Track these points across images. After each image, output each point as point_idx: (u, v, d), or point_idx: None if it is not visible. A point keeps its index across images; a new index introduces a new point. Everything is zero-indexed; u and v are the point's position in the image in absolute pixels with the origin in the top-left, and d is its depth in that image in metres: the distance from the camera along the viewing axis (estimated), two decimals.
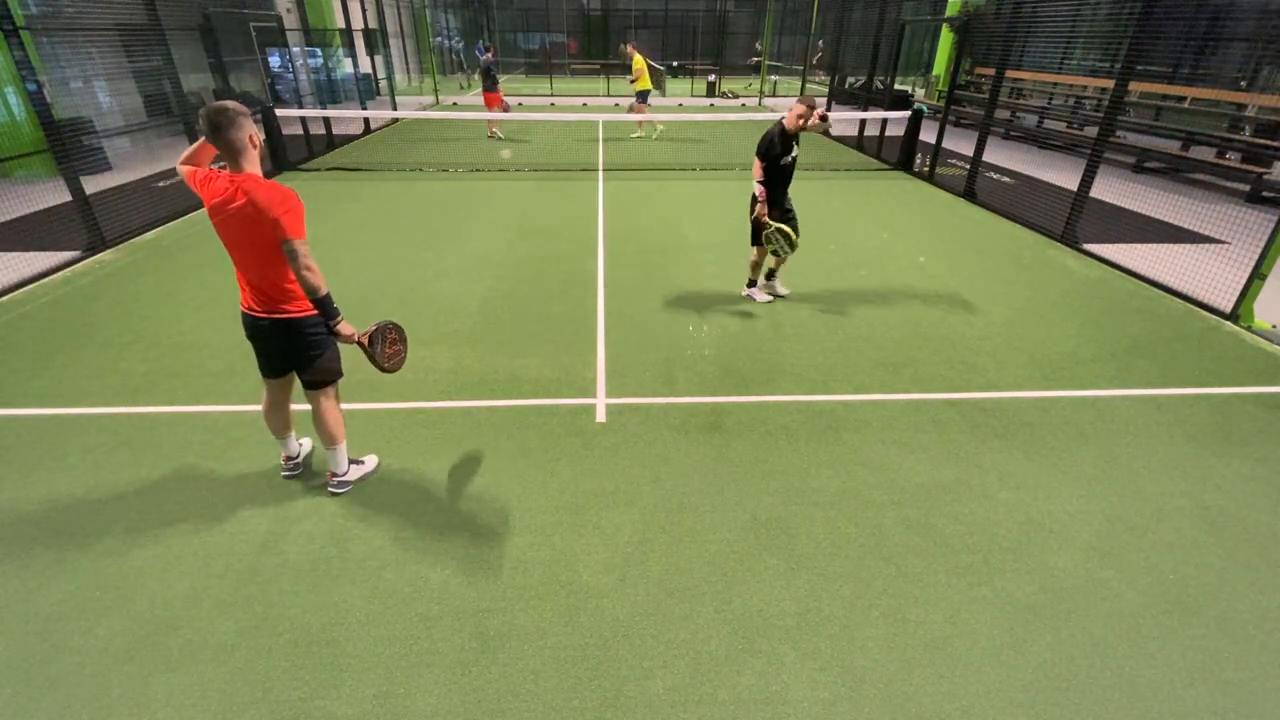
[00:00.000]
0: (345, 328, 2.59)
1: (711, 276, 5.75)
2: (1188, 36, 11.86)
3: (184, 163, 2.54)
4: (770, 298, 5.26)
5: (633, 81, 12.43)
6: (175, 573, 2.58)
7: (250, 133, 2.38)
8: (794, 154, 4.85)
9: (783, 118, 4.76)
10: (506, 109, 12.38)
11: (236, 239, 2.44)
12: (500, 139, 12.66)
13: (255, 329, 2.67)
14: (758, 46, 24.83)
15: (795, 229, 4.85)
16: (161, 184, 8.80)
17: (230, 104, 2.36)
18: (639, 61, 12.21)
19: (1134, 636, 2.35)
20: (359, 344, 2.67)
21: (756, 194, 4.74)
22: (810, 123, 4.73)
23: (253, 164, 2.41)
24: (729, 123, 14.85)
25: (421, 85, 23.62)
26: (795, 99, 5.04)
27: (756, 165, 4.74)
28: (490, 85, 12.16)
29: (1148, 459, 3.34)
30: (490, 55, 12.42)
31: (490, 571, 2.61)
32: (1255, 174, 8.39)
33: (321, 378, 2.78)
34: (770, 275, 5.30)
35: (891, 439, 3.49)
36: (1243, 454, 3.39)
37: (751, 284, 5.23)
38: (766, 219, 4.78)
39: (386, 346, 2.80)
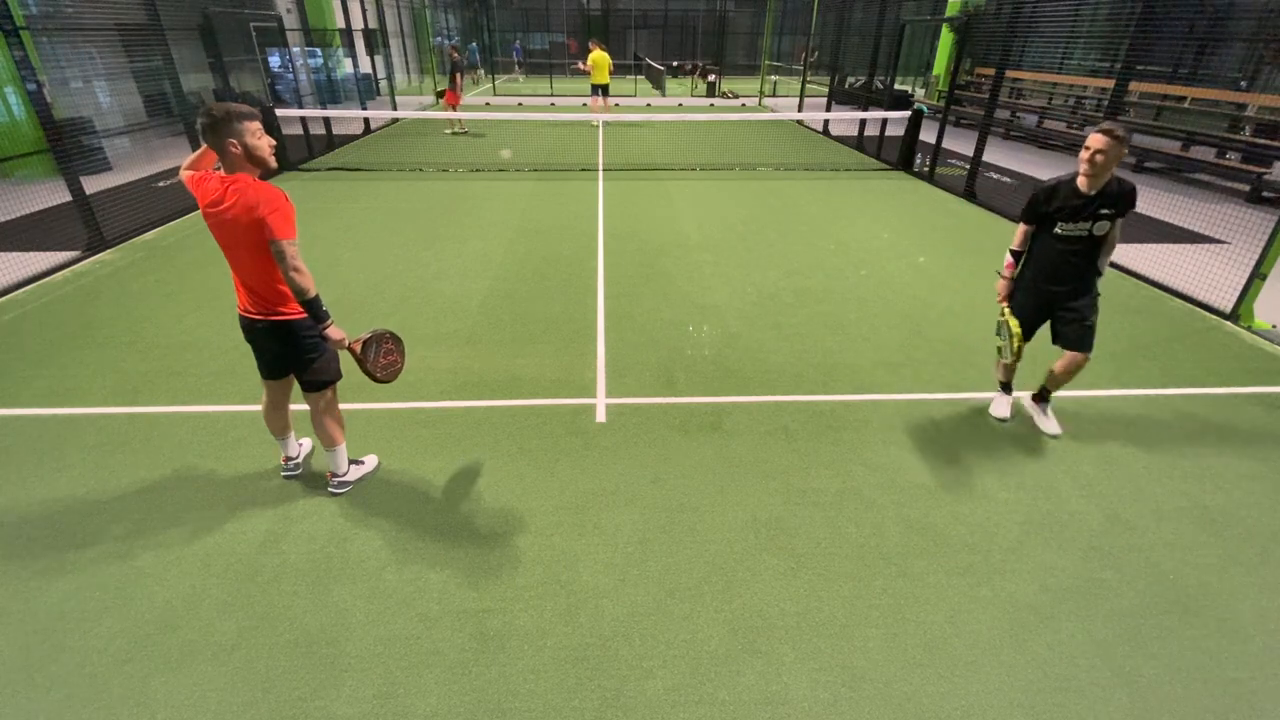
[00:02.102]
0: (335, 332, 2.56)
1: (711, 276, 5.75)
2: (1188, 36, 11.86)
3: (187, 168, 2.53)
4: (1009, 416, 3.67)
5: (597, 88, 13.90)
6: (175, 573, 2.58)
7: (238, 138, 2.29)
8: (1087, 227, 3.05)
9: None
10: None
11: (230, 240, 2.43)
12: (463, 134, 13.09)
13: (252, 331, 2.66)
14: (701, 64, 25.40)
15: (1072, 335, 3.24)
16: (161, 184, 8.80)
17: (224, 107, 2.30)
18: (593, 56, 13.62)
19: (1134, 636, 2.35)
20: (350, 350, 2.66)
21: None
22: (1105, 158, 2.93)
23: (244, 166, 2.37)
24: (729, 122, 14.87)
25: (421, 85, 23.62)
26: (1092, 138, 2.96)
27: (1019, 230, 3.30)
28: (454, 83, 12.72)
29: (1148, 459, 3.34)
30: (457, 55, 12.93)
31: (490, 571, 2.61)
32: (1255, 174, 8.40)
33: (320, 379, 2.78)
34: (1041, 395, 3.62)
35: (891, 439, 3.49)
36: (1243, 454, 3.39)
37: (1004, 386, 3.73)
38: (1002, 300, 3.41)
39: (381, 356, 2.77)
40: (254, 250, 2.42)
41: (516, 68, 27.65)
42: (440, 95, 12.93)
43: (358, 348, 2.68)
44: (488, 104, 18.28)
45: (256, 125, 2.36)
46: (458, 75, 12.65)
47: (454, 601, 2.48)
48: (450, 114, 12.19)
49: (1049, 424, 3.57)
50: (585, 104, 16.48)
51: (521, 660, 2.25)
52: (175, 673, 2.18)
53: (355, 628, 2.36)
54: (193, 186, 2.45)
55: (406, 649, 2.29)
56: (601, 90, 13.98)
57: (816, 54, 20.48)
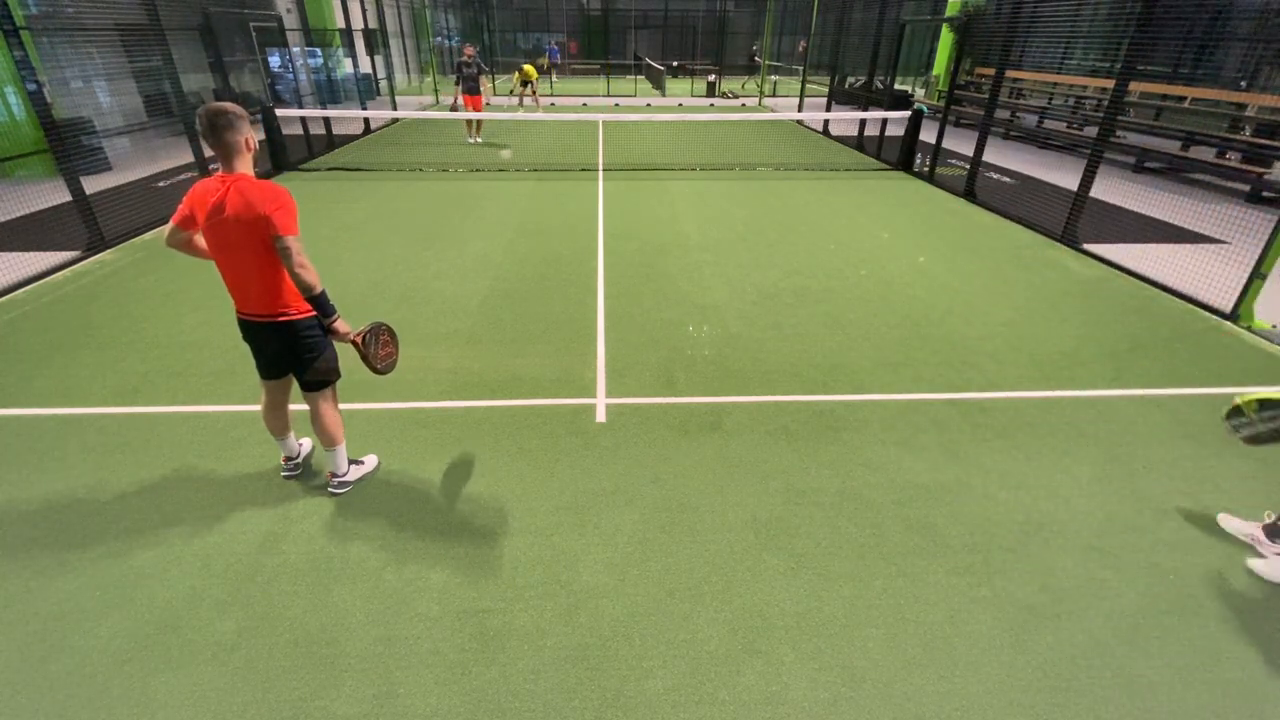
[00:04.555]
0: (342, 325, 2.61)
1: (711, 276, 5.75)
2: (1188, 36, 11.86)
3: (177, 224, 2.51)
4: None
5: (524, 82, 15.79)
6: (175, 573, 2.58)
7: (246, 135, 2.40)
8: None
9: None
10: (455, 109, 12.13)
11: (230, 241, 2.42)
12: (478, 143, 12.26)
13: (252, 332, 2.67)
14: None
15: None
16: (161, 184, 8.80)
17: (228, 106, 2.37)
18: (529, 69, 15.77)
19: (1134, 636, 2.35)
20: (353, 343, 2.68)
21: None
22: None
23: (246, 165, 2.43)
24: (729, 122, 14.87)
25: (421, 85, 23.62)
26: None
27: None
28: (473, 88, 11.66)
29: (1148, 459, 3.34)
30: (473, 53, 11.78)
31: (490, 571, 2.61)
32: (1255, 174, 8.39)
33: (320, 379, 2.78)
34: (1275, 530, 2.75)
35: (891, 439, 3.49)
36: (1243, 454, 3.38)
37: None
38: None
39: (379, 348, 2.81)
40: (257, 249, 2.42)
41: (553, 71, 27.29)
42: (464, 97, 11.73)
43: (360, 340, 2.71)
44: (488, 103, 18.23)
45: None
46: (482, 76, 11.72)
47: (454, 601, 2.48)
48: (475, 114, 11.41)
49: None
50: (522, 102, 17.35)
51: (521, 660, 2.25)
52: (175, 673, 2.18)
53: (355, 628, 2.36)
54: (187, 212, 2.46)
55: (406, 649, 2.28)
56: (530, 85, 15.93)
57: (805, 47, 20.41)
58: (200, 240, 2.59)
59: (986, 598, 2.51)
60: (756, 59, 22.91)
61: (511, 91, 15.99)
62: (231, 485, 3.08)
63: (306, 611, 2.42)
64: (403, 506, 2.97)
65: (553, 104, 18.11)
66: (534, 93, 16.28)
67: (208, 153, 8.07)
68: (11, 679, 2.15)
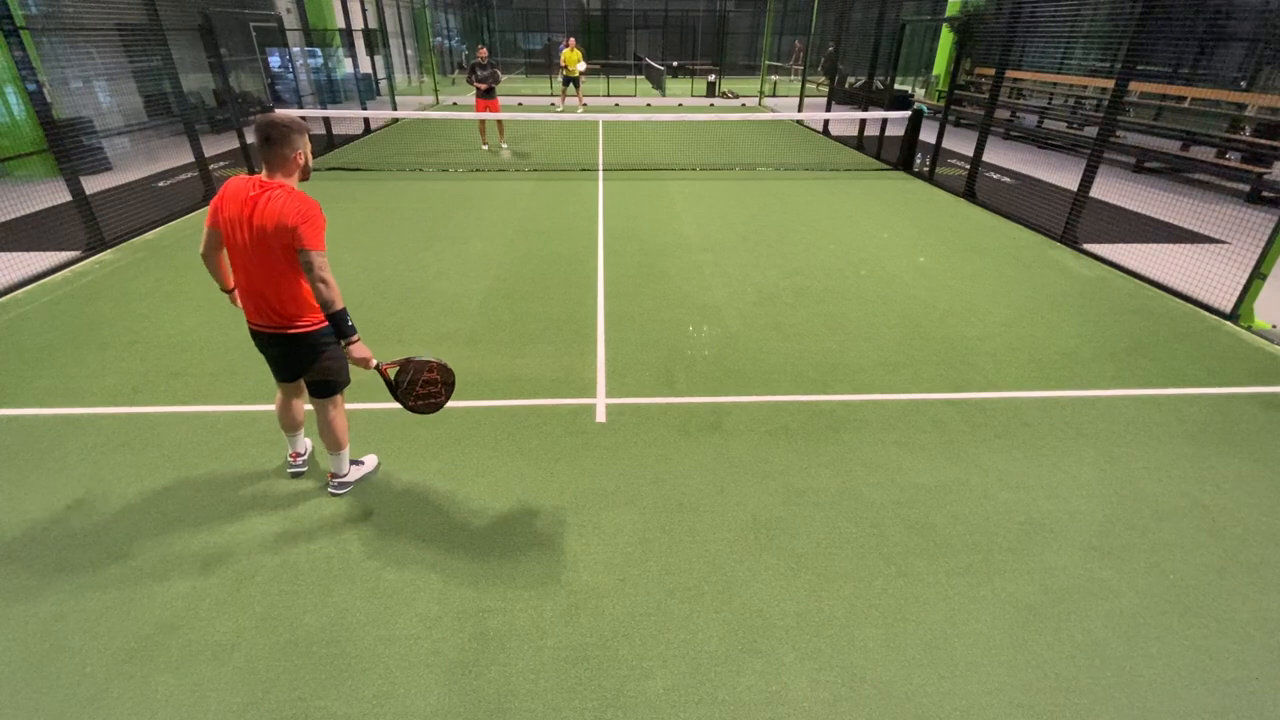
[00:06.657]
0: (359, 350, 2.51)
1: (711, 276, 5.75)
2: (1188, 36, 11.85)
3: (210, 226, 2.54)
4: None
5: (564, 69, 15.43)
6: (175, 573, 2.58)
7: (299, 150, 2.41)
8: None
9: None
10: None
11: (249, 244, 2.40)
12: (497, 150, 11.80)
13: (261, 341, 2.67)
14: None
15: None
16: (161, 184, 8.80)
17: (291, 118, 2.38)
18: (575, 55, 15.19)
19: (1134, 636, 2.35)
20: (380, 372, 2.62)
21: None
22: None
23: (293, 175, 2.44)
24: (729, 122, 14.87)
25: (421, 85, 23.63)
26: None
27: None
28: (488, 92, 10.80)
29: (1148, 459, 3.34)
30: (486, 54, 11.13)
31: (490, 571, 2.62)
32: (1255, 174, 8.39)
33: (326, 380, 2.77)
34: None
35: (891, 439, 3.49)
36: (1243, 454, 3.39)
37: None
38: None
39: (419, 386, 2.66)
40: (276, 256, 2.39)
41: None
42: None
43: (390, 372, 2.62)
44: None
45: (308, 137, 2.49)
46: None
47: (454, 601, 2.48)
48: (493, 115, 10.67)
49: None
50: (555, 104, 17.03)
51: (521, 660, 2.25)
52: (175, 673, 2.18)
53: (355, 628, 2.36)
54: (214, 211, 2.47)
55: (406, 649, 2.29)
56: (574, 83, 15.58)
57: (799, 47, 20.39)
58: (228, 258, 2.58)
59: (986, 598, 2.51)
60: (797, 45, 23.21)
61: (569, 89, 15.76)
62: (231, 485, 3.08)
63: (306, 611, 2.42)
64: (403, 506, 2.97)
65: (553, 105, 18.08)
66: (577, 88, 15.63)
67: (209, 152, 8.06)
68: (11, 679, 2.15)
